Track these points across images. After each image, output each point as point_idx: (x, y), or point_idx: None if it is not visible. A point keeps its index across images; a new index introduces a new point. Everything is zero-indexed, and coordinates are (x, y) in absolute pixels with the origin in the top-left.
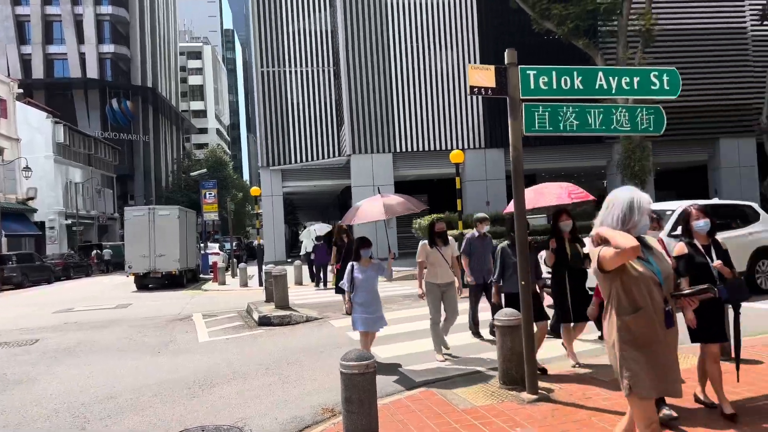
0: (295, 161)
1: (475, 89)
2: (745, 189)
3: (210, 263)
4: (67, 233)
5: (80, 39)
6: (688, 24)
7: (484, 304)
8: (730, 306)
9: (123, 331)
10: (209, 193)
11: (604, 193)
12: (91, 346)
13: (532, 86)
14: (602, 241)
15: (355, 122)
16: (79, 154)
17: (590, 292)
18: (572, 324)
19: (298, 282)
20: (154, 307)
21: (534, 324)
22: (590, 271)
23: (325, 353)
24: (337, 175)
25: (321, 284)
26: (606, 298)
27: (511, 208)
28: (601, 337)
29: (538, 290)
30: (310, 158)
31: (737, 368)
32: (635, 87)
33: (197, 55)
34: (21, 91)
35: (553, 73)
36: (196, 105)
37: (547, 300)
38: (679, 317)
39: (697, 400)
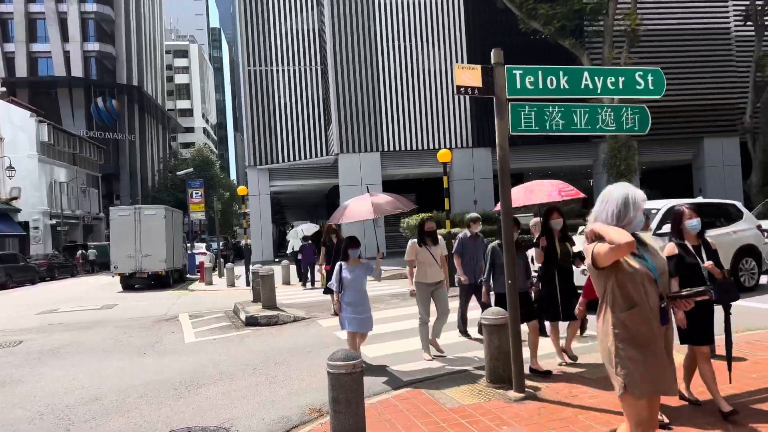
0: (283, 160)
1: (462, 89)
2: (728, 188)
3: (197, 263)
4: (51, 233)
5: (64, 37)
6: (672, 24)
7: (474, 303)
8: (720, 306)
9: (108, 332)
10: (196, 193)
11: (591, 192)
12: (76, 348)
13: (519, 86)
14: (596, 238)
15: (343, 121)
16: (63, 153)
17: (579, 291)
18: (567, 323)
19: (286, 282)
20: (140, 308)
21: (526, 324)
22: (578, 270)
23: (312, 353)
24: (325, 174)
25: (308, 284)
26: (600, 295)
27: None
28: (585, 336)
29: (530, 290)
30: (297, 157)
31: (729, 369)
32: (620, 87)
33: (183, 53)
34: (4, 89)
35: (540, 72)
36: (182, 104)
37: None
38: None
39: (681, 397)
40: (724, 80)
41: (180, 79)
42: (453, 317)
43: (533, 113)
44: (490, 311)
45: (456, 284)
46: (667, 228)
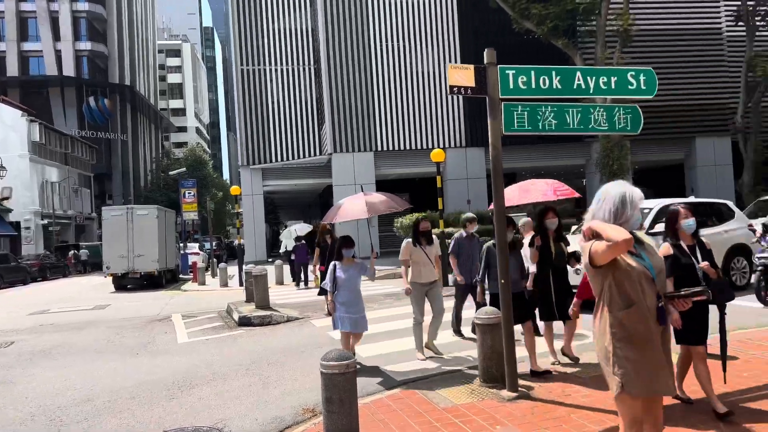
0: (276, 160)
1: (455, 89)
2: (720, 187)
3: (189, 263)
4: (43, 233)
5: (56, 36)
6: (664, 25)
7: (468, 303)
8: (715, 306)
9: (101, 333)
10: (189, 193)
11: (584, 192)
12: (68, 348)
13: (512, 86)
14: (594, 236)
15: (336, 121)
16: (55, 152)
17: (574, 290)
18: (563, 322)
19: (279, 282)
20: (133, 308)
21: (521, 326)
22: (572, 269)
23: (306, 353)
24: (318, 173)
25: (302, 284)
26: (597, 294)
27: None
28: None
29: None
30: (290, 157)
31: (724, 369)
32: (613, 87)
33: (176, 52)
34: None
35: (532, 72)
36: (175, 103)
37: None
38: None
39: (674, 396)
40: (716, 80)
41: (173, 78)
42: (447, 317)
43: (526, 113)
44: (484, 311)
45: (451, 284)
46: (659, 227)
